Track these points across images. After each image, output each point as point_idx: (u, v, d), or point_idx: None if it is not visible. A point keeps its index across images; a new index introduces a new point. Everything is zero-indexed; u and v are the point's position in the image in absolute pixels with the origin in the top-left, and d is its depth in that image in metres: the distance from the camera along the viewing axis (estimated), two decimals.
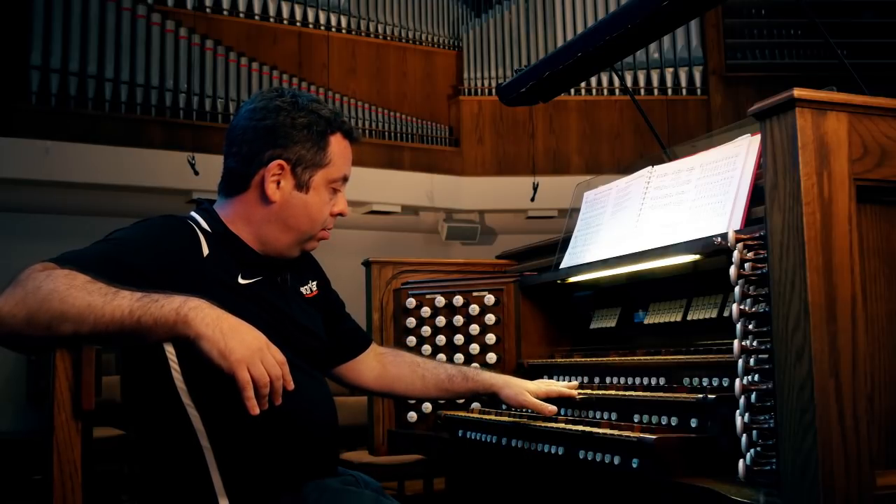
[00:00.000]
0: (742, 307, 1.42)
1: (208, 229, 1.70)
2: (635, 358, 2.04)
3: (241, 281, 1.68)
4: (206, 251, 1.66)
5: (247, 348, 1.41)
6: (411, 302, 2.58)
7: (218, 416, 1.58)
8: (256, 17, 7.29)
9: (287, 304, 1.75)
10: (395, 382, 2.07)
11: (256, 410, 1.42)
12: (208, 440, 1.57)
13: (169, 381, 1.57)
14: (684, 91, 7.79)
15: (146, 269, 1.54)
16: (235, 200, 1.74)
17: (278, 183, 1.71)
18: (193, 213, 1.75)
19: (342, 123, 1.78)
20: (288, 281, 1.80)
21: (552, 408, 1.96)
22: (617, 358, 2.11)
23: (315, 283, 1.91)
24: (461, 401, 2.38)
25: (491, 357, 2.48)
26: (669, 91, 7.79)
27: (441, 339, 2.53)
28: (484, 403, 2.41)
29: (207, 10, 7.07)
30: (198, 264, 1.64)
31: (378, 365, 2.06)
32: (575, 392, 2.01)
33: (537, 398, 1.99)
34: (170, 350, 1.57)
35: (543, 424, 1.85)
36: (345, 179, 1.80)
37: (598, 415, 1.93)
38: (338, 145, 1.77)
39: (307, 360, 1.74)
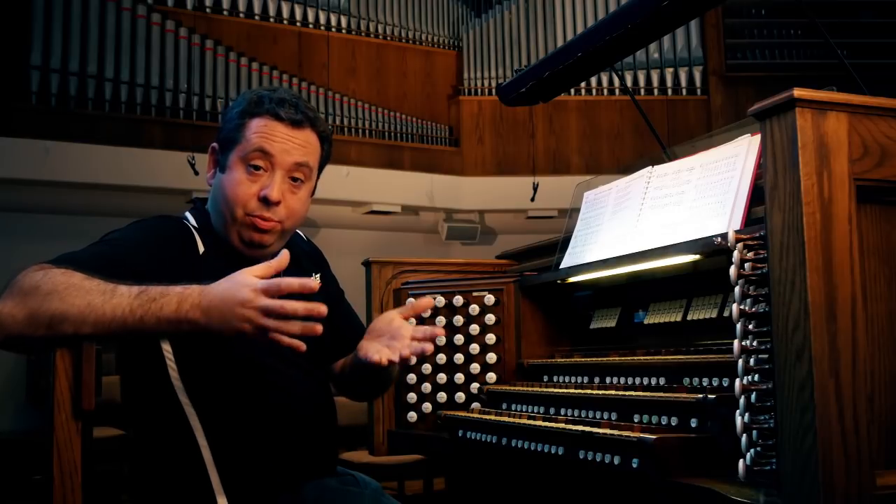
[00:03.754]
0: (742, 307, 1.42)
1: (198, 227, 1.71)
2: (635, 358, 2.03)
3: None
4: (201, 249, 1.67)
5: (239, 318, 1.39)
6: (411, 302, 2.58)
7: (215, 414, 1.58)
8: (256, 17, 7.29)
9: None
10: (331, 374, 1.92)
11: (303, 347, 1.40)
12: (206, 438, 1.58)
13: (166, 379, 1.58)
14: (684, 91, 7.79)
15: (143, 268, 1.54)
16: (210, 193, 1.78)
17: (212, 170, 1.75)
18: (187, 213, 1.76)
19: (272, 108, 1.68)
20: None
21: (376, 357, 1.61)
22: (617, 358, 2.11)
23: (318, 275, 1.90)
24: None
25: (491, 357, 2.48)
26: (669, 91, 7.79)
27: (441, 339, 2.53)
28: (484, 403, 2.41)
29: (207, 10, 7.07)
30: (195, 262, 1.64)
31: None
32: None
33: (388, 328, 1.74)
34: (166, 348, 1.57)
35: (543, 424, 1.85)
36: (263, 153, 1.66)
37: (598, 415, 1.92)
38: (258, 124, 1.68)
39: (306, 359, 1.73)
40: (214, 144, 1.74)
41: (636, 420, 1.78)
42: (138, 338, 1.50)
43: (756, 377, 1.39)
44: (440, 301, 2.54)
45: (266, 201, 1.65)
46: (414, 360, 1.64)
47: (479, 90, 7.92)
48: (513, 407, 2.26)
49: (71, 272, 1.44)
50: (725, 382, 1.72)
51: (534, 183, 7.50)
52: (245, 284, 1.40)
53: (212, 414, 1.58)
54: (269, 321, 1.38)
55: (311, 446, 1.69)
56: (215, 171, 1.74)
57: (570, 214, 2.50)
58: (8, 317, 1.39)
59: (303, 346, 1.40)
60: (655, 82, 7.81)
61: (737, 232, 1.47)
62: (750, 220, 1.79)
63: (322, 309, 1.40)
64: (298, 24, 7.46)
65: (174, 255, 1.62)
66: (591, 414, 1.95)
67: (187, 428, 1.57)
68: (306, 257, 1.90)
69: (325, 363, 1.91)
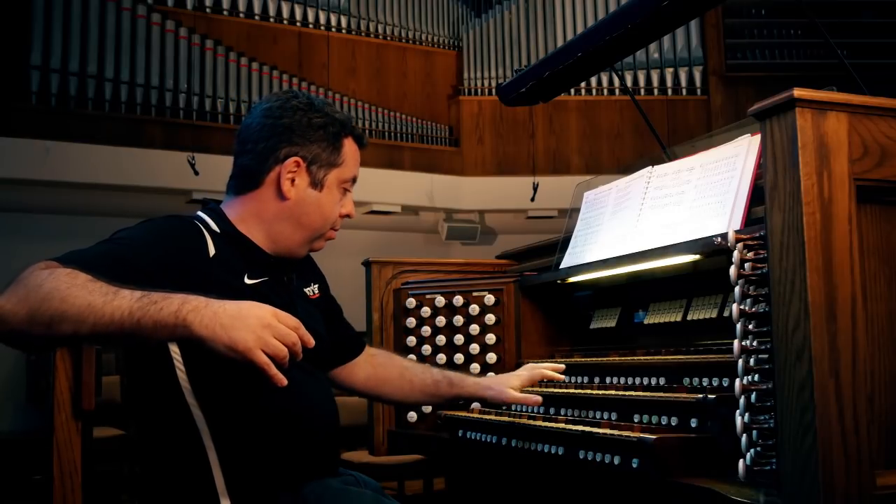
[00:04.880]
0: (742, 307, 1.42)
1: (216, 229, 1.70)
2: (635, 358, 2.04)
3: (247, 281, 1.69)
4: (212, 251, 1.66)
5: (252, 332, 1.41)
6: (411, 302, 2.58)
7: (222, 416, 1.58)
8: (256, 17, 7.30)
9: (292, 305, 1.75)
10: (382, 385, 2.08)
11: (284, 382, 1.42)
12: (211, 440, 1.57)
13: (173, 381, 1.57)
14: (684, 91, 7.80)
15: (150, 269, 1.54)
16: (247, 198, 1.75)
17: (293, 180, 1.74)
18: (200, 213, 1.75)
19: (354, 128, 1.84)
20: (294, 281, 1.81)
21: (537, 398, 1.96)
22: (617, 358, 2.11)
23: (317, 285, 1.93)
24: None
25: (491, 357, 2.48)
26: (669, 91, 7.79)
27: (441, 339, 2.53)
28: (484, 403, 2.41)
29: (207, 10, 7.07)
30: (203, 265, 1.63)
31: (368, 367, 2.08)
32: (560, 376, 2.02)
33: (524, 389, 2.01)
34: (174, 349, 1.57)
35: (543, 424, 1.85)
36: (354, 181, 1.84)
37: (598, 415, 1.92)
38: (350, 147, 1.81)
39: (310, 361, 1.74)
40: (298, 159, 1.74)
41: (636, 420, 1.78)
42: (135, 344, 1.49)
43: (756, 377, 1.39)
44: (440, 301, 2.54)
45: (347, 217, 1.85)
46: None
47: (479, 90, 7.92)
48: (513, 407, 2.26)
49: (76, 273, 1.43)
50: (725, 382, 1.72)
51: (534, 183, 7.50)
52: (267, 308, 1.46)
53: (219, 415, 1.58)
54: (271, 341, 1.41)
55: (315, 447, 1.69)
56: (292, 184, 1.74)
57: (570, 214, 2.50)
58: (10, 313, 1.39)
59: (284, 380, 1.42)
60: (655, 82, 7.81)
61: (737, 232, 1.47)
62: (750, 220, 1.79)
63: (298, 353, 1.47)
64: (298, 24, 7.47)
65: (182, 256, 1.62)
66: (591, 414, 1.95)
67: (194, 429, 1.57)
68: (308, 266, 1.93)
69: (327, 368, 1.96)
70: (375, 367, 2.08)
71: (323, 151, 1.76)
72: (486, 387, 2.04)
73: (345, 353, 2.04)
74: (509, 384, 2.02)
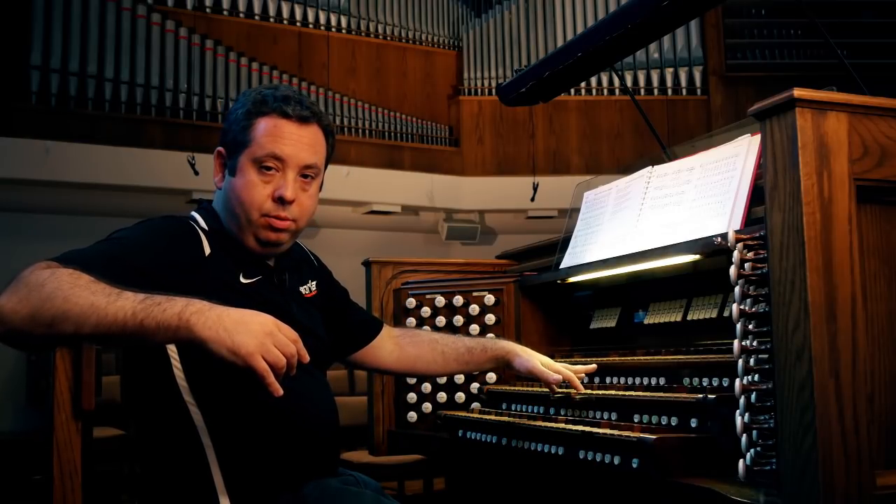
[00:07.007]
0: (742, 307, 1.42)
1: (207, 228, 1.71)
2: (635, 358, 2.04)
3: (242, 280, 1.69)
4: (207, 250, 1.67)
5: (254, 337, 1.40)
6: (411, 302, 2.58)
7: (220, 415, 1.58)
8: (256, 17, 7.30)
9: (287, 304, 1.75)
10: (415, 362, 2.11)
11: (280, 392, 1.41)
12: (210, 438, 1.58)
13: (171, 379, 1.58)
14: (684, 91, 7.80)
15: (149, 268, 1.54)
16: (217, 196, 1.79)
17: (221, 172, 1.75)
18: (194, 213, 1.76)
19: (279, 106, 1.69)
20: (286, 281, 1.80)
21: (556, 377, 2.01)
22: (617, 358, 2.11)
23: (315, 282, 1.92)
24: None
25: None
26: (669, 91, 7.79)
27: None
28: (484, 403, 2.41)
29: (207, 10, 7.08)
30: (200, 264, 1.64)
31: (396, 347, 2.10)
32: (580, 386, 2.02)
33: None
34: (171, 348, 1.57)
35: (543, 424, 1.85)
36: (276, 158, 1.68)
37: (598, 415, 1.92)
38: (267, 124, 1.69)
39: (309, 360, 1.74)
40: (220, 149, 1.74)
41: (636, 420, 1.78)
42: (135, 345, 1.49)
43: (756, 377, 1.39)
44: (440, 301, 2.54)
45: (282, 201, 1.68)
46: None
47: (479, 90, 7.93)
48: (513, 407, 2.26)
49: (79, 273, 1.43)
50: (725, 382, 1.72)
51: (534, 183, 7.50)
52: (269, 317, 1.44)
53: (216, 414, 1.58)
54: (272, 350, 1.41)
55: (315, 447, 1.69)
56: (224, 174, 1.74)
57: (570, 214, 2.50)
58: (11, 312, 1.39)
59: (280, 391, 1.41)
60: (655, 82, 7.81)
61: (737, 232, 1.47)
62: (750, 220, 1.79)
63: (305, 358, 1.46)
64: (298, 24, 7.47)
65: (179, 255, 1.62)
66: (591, 414, 1.95)
67: (192, 428, 1.57)
68: (305, 263, 1.92)
69: (343, 356, 2.03)
70: (403, 346, 2.11)
71: (236, 136, 1.71)
72: (518, 353, 2.09)
73: (359, 337, 2.06)
74: (539, 359, 2.07)
